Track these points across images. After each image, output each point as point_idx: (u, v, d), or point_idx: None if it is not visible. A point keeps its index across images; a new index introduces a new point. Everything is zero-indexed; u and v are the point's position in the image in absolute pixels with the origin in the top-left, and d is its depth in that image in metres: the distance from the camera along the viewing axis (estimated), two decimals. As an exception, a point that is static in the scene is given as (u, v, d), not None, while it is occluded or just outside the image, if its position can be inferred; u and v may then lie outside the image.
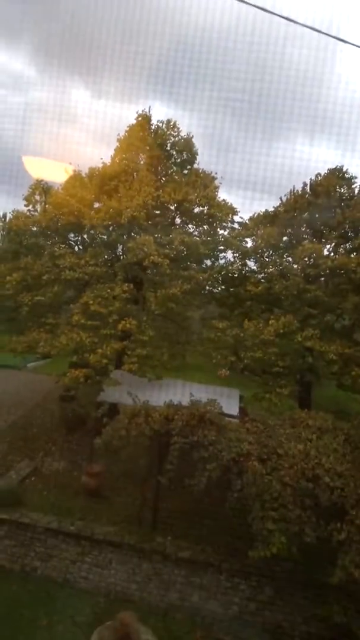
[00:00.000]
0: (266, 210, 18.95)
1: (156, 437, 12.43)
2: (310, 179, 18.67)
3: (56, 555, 12.88)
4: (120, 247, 17.40)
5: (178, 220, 18.27)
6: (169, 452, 12.06)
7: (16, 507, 13.54)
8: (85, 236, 17.55)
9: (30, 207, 18.45)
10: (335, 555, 10.38)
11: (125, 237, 16.74)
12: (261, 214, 18.95)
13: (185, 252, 16.44)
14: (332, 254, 17.91)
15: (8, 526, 13.22)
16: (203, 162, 17.30)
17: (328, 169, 18.40)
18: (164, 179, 17.87)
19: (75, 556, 12.80)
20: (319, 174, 18.55)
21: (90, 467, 14.85)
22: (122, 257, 17.15)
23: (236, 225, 18.29)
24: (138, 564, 12.56)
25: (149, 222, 16.80)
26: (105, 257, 17.10)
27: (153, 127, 17.64)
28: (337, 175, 18.35)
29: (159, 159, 17.39)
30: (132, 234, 16.55)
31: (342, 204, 18.06)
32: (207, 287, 18.19)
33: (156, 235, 16.44)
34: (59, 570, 12.76)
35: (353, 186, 18.34)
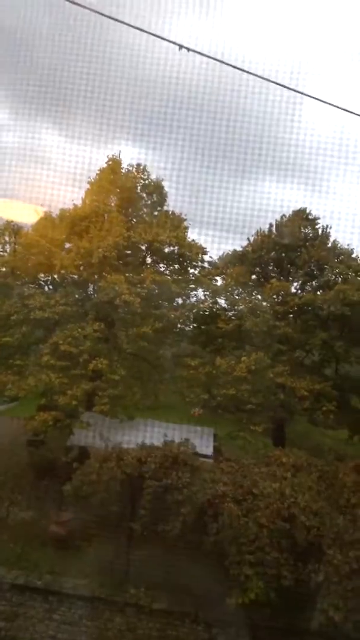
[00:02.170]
0: (235, 250, 19.49)
1: (129, 481, 12.10)
2: (276, 220, 19.40)
3: (22, 614, 12.07)
4: (91, 287, 17.43)
5: (149, 260, 18.56)
6: (142, 497, 11.75)
7: (-21, 563, 12.76)
8: (55, 276, 17.55)
9: (-1, 248, 18.40)
10: (314, 599, 10.15)
11: (96, 276, 16.82)
12: (230, 253, 19.47)
13: (156, 291, 16.61)
14: (299, 291, 18.44)
15: (-30, 584, 12.41)
16: (173, 203, 17.90)
17: (292, 211, 19.19)
18: (134, 220, 18.24)
19: (43, 613, 12.04)
20: (284, 215, 19.33)
21: (59, 516, 14.21)
22: (93, 296, 17.15)
23: (206, 265, 18.71)
24: (110, 618, 11.89)
25: (120, 262, 17.01)
26: (76, 296, 17.07)
27: (123, 170, 18.14)
28: (301, 217, 19.14)
29: (130, 201, 17.81)
30: (103, 273, 16.65)
31: (307, 243, 18.76)
32: (179, 325, 18.30)
33: (127, 275, 16.59)
34: (25, 630, 11.92)
35: (317, 226, 19.14)
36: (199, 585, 12.22)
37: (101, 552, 13.27)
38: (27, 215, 16.75)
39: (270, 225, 19.32)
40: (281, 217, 19.21)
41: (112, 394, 15.00)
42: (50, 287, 17.93)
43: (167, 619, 11.78)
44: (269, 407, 17.34)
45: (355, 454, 15.44)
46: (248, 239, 19.51)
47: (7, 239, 18.21)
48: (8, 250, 18.30)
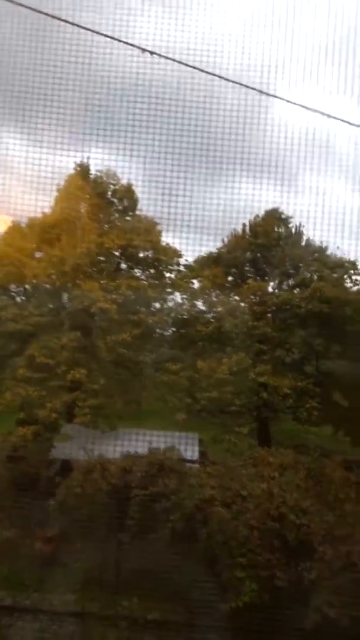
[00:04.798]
0: (210, 252, 19.51)
1: (114, 491, 11.86)
2: (250, 220, 19.52)
3: (12, 635, 11.67)
4: (65, 295, 17.22)
5: (124, 266, 18.46)
6: (129, 506, 11.54)
7: None
8: (27, 286, 17.29)
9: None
10: (308, 598, 10.07)
11: (70, 285, 16.61)
12: (205, 255, 19.47)
13: (132, 297, 16.50)
14: (276, 290, 18.55)
15: None
16: (145, 207, 17.87)
17: (265, 211, 19.34)
18: (106, 225, 18.13)
19: (33, 634, 11.66)
20: (257, 215, 19.44)
21: (44, 532, 13.83)
22: (67, 306, 16.94)
23: (182, 268, 18.70)
24: (103, 633, 11.59)
25: (94, 269, 16.87)
26: (50, 306, 16.84)
27: (92, 176, 18.01)
28: (274, 216, 19.29)
29: (101, 207, 17.69)
30: (77, 281, 16.46)
31: (281, 242, 18.91)
32: (158, 330, 18.20)
33: (102, 282, 16.46)
34: (15, 654, 11.54)
35: (289, 225, 19.33)
36: (192, 592, 12.04)
37: (90, 566, 12.98)
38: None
39: (244, 225, 19.47)
40: (254, 217, 19.36)
41: (93, 404, 14.79)
42: (23, 297, 17.66)
43: (162, 630, 11.54)
44: (253, 407, 17.35)
45: (341, 450, 15.54)
46: (223, 240, 19.60)
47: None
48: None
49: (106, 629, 11.62)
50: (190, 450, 14.89)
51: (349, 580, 10.03)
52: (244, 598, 10.27)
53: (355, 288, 17.49)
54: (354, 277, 17.65)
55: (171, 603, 12.17)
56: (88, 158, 17.64)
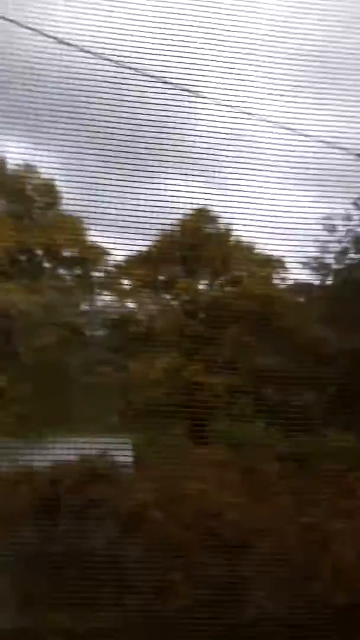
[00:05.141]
0: (139, 251, 19.24)
1: (44, 503, 11.33)
2: (178, 219, 19.48)
3: None
4: (-17, 298, 16.30)
5: (47, 265, 17.85)
6: (59, 518, 11.08)
7: None
8: None
9: None
10: (246, 593, 10.19)
11: (-12, 286, 15.74)
12: (134, 254, 19.20)
13: (57, 298, 15.96)
14: (206, 289, 18.69)
15: None
16: (70, 204, 17.33)
17: (193, 209, 19.39)
18: (26, 223, 17.44)
19: None
20: (185, 214, 19.45)
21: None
22: (-15, 309, 16.04)
23: (110, 267, 18.33)
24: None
25: (14, 269, 16.14)
26: (-34, 310, 15.87)
27: (9, 171, 17.20)
28: (203, 215, 19.41)
29: (19, 204, 16.98)
30: (-4, 282, 15.65)
31: (210, 241, 19.09)
32: (86, 332, 17.72)
33: (23, 282, 15.83)
34: None
35: (218, 224, 19.55)
36: (130, 601, 11.74)
37: (20, 583, 12.28)
38: None
39: (172, 224, 19.41)
40: (183, 216, 19.35)
41: (16, 412, 14.05)
42: None
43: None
44: (187, 407, 17.33)
45: (273, 443, 15.92)
46: (152, 239, 19.41)
47: None
48: None
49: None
50: (124, 455, 14.59)
51: (284, 572, 10.29)
52: (183, 600, 10.24)
53: (283, 285, 18.04)
54: (281, 275, 18.20)
55: (109, 611, 11.79)
56: (5, 152, 16.86)
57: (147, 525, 10.88)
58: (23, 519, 11.28)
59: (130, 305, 17.67)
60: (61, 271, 17.58)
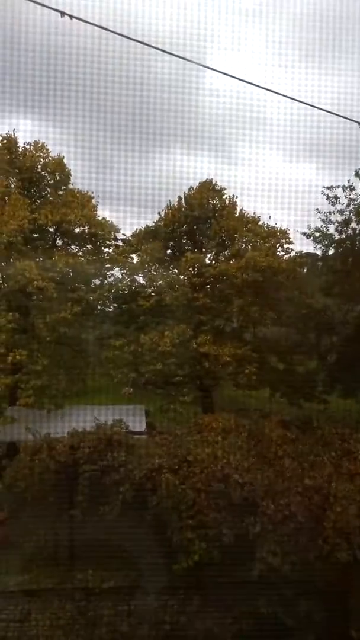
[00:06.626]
0: (147, 226, 19.39)
1: (63, 469, 11.87)
2: (185, 193, 19.51)
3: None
4: (-1, 275, 16.53)
5: (59, 242, 17.93)
6: (78, 483, 11.63)
7: None
8: None
9: None
10: (253, 550, 10.73)
11: (3, 264, 15.94)
12: (143, 229, 19.34)
13: (71, 274, 16.15)
14: (213, 262, 18.87)
15: None
16: (79, 181, 17.25)
17: (199, 182, 19.39)
18: (38, 201, 17.44)
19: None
20: (191, 187, 19.46)
21: (-6, 516, 13.68)
22: (2, 286, 16.30)
23: (120, 243, 18.48)
24: (60, 607, 11.80)
25: (28, 247, 16.24)
26: (-17, 287, 16.12)
27: (20, 149, 17.13)
28: (208, 188, 19.41)
29: (31, 182, 16.96)
30: (11, 260, 15.83)
31: (216, 214, 19.14)
32: (99, 307, 18.04)
33: (38, 259, 15.95)
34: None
35: (223, 197, 19.54)
36: (145, 558, 12.45)
37: (43, 546, 13.03)
38: None
39: (180, 198, 19.45)
40: (189, 190, 19.37)
41: (36, 384, 14.54)
42: None
43: (117, 596, 11.92)
44: (196, 376, 17.86)
45: (278, 410, 16.44)
46: (159, 213, 19.51)
47: None
48: None
49: (62, 602, 11.84)
50: (137, 422, 15.11)
51: (289, 530, 10.84)
52: (195, 557, 10.81)
53: (286, 257, 18.16)
54: (285, 246, 18.30)
55: (126, 571, 12.56)
56: (14, 130, 16.79)
57: (161, 488, 11.46)
58: (43, 485, 11.89)
59: (140, 279, 17.92)
60: (73, 248, 17.73)
